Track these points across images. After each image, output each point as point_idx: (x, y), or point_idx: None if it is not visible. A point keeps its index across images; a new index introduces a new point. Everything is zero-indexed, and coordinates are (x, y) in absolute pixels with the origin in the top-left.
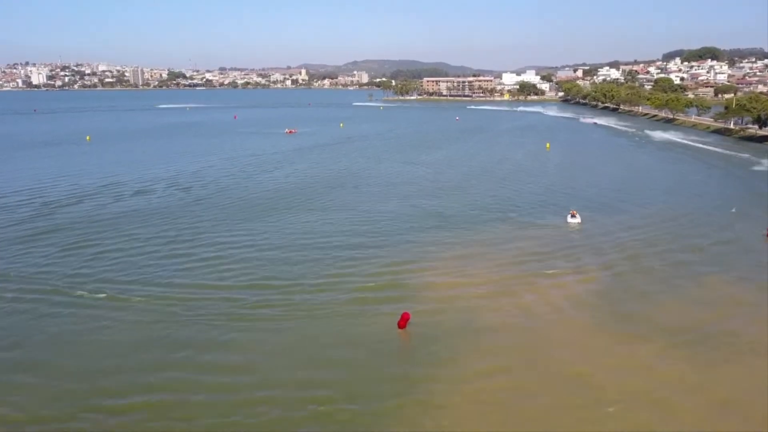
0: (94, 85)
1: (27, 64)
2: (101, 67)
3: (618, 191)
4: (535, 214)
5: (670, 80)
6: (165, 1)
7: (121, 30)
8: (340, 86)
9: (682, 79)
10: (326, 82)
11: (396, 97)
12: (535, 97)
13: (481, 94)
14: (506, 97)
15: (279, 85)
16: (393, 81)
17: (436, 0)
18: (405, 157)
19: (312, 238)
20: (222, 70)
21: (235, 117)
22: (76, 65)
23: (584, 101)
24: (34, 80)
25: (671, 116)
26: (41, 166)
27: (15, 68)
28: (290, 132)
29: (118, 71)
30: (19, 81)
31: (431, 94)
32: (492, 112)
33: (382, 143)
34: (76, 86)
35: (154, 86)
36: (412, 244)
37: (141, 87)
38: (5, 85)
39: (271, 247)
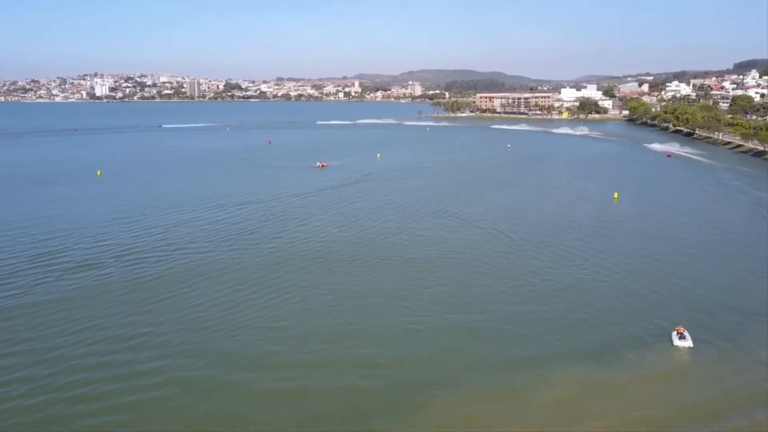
0: (153, 97)
1: (95, 75)
2: (162, 78)
3: (738, 290)
4: (615, 330)
5: (749, 98)
6: (227, 10)
7: (184, 41)
8: (393, 99)
9: (762, 96)
10: (378, 94)
11: (447, 114)
12: (597, 116)
13: (538, 112)
14: (565, 115)
15: (332, 98)
16: (446, 93)
17: (492, 8)
18: (437, 206)
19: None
20: (279, 80)
21: (270, 142)
22: (140, 76)
23: (652, 122)
24: (98, 92)
25: (761, 148)
26: (31, 212)
27: (84, 79)
28: (322, 166)
29: (178, 83)
30: (84, 92)
31: (484, 110)
32: (547, 138)
33: (419, 182)
34: (135, 98)
35: (210, 98)
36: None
37: (197, 99)
38: (71, 96)
39: None
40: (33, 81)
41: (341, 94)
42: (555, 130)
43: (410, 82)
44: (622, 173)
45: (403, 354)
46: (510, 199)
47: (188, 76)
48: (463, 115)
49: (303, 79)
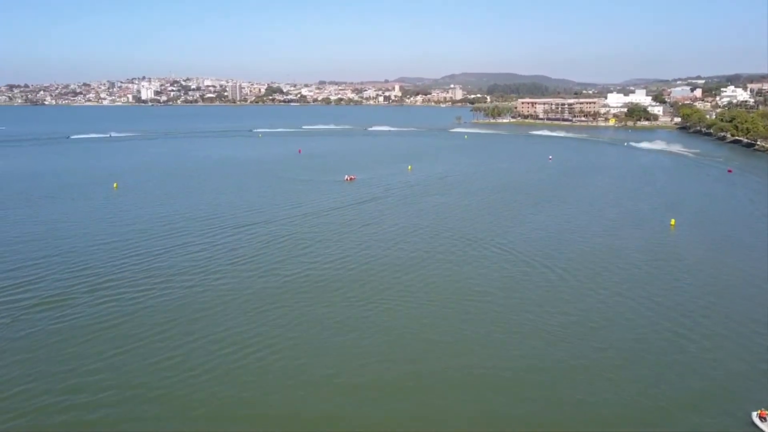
0: (195, 101)
1: (143, 78)
2: (207, 82)
3: None
4: (690, 416)
5: None
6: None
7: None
8: (433, 103)
9: None
10: (419, 98)
11: (487, 120)
12: (646, 123)
13: (583, 119)
14: (612, 122)
15: (371, 102)
16: (488, 97)
17: (536, 8)
18: (469, 230)
19: None
20: (321, 83)
21: (299, 151)
22: (185, 80)
23: (707, 131)
24: (143, 95)
25: None
26: (20, 234)
27: (133, 83)
28: (350, 179)
29: (221, 86)
30: (130, 96)
31: (526, 116)
32: (592, 147)
33: (451, 199)
34: (179, 101)
35: (251, 101)
36: None
37: (238, 102)
38: (118, 100)
39: None
40: (84, 84)
41: (381, 98)
42: (600, 138)
43: (452, 86)
44: (677, 192)
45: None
46: (551, 223)
47: (232, 80)
48: (504, 121)
49: (344, 83)
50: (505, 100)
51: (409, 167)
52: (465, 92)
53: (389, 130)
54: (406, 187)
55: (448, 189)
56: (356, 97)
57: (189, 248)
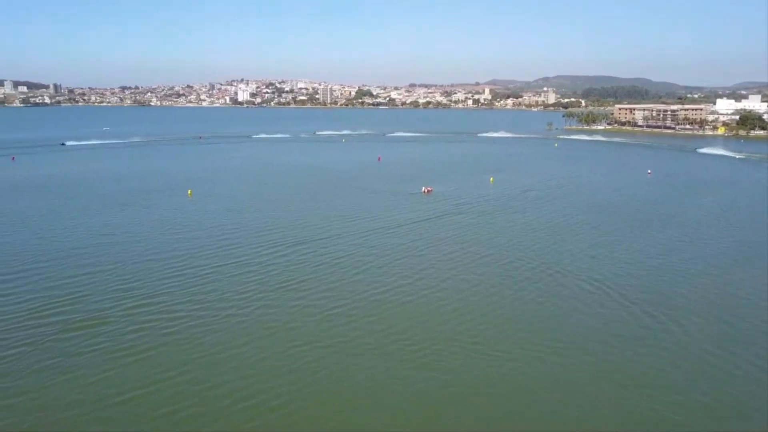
0: (288, 103)
1: (241, 81)
2: (300, 85)
3: None
4: None
5: None
6: (363, 15)
7: (323, 46)
8: (524, 107)
9: None
10: (509, 102)
11: (580, 127)
12: (762, 132)
13: (688, 127)
14: (721, 131)
15: (460, 105)
16: (582, 101)
17: (636, 6)
18: (553, 259)
19: None
20: (411, 86)
21: (379, 159)
22: (280, 82)
23: None
24: (239, 97)
25: None
26: (77, 243)
27: (232, 85)
28: (427, 191)
29: (313, 89)
30: (228, 98)
31: (623, 123)
32: (698, 161)
33: (535, 218)
34: (272, 103)
35: (341, 104)
36: None
37: (329, 105)
38: (216, 101)
39: None
40: (188, 86)
41: (470, 102)
42: (706, 150)
43: (545, 89)
44: None
45: None
46: (650, 254)
47: (324, 82)
48: (599, 128)
49: (434, 86)
50: (601, 105)
51: (491, 179)
52: (558, 96)
53: (472, 136)
54: (486, 202)
55: (531, 205)
56: (445, 100)
57: (252, 264)
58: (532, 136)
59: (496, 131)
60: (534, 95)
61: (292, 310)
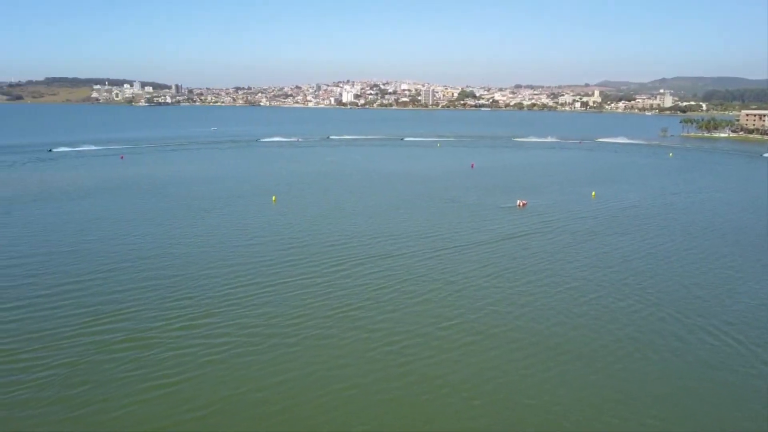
0: (390, 104)
1: (346, 82)
2: (403, 86)
3: None
4: None
5: None
6: (470, 15)
7: (426, 46)
8: (636, 110)
9: None
10: (620, 105)
11: (699, 134)
12: None
13: None
14: None
15: (567, 108)
16: (703, 105)
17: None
18: (673, 301)
19: None
20: (516, 87)
21: (472, 166)
22: (384, 83)
23: None
24: (344, 98)
25: None
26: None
27: (338, 86)
28: (522, 205)
29: (416, 90)
30: (332, 99)
31: (751, 131)
32: None
33: (645, 245)
34: (375, 105)
35: (443, 106)
36: None
37: (430, 107)
38: (321, 102)
39: None
40: (296, 87)
41: (578, 104)
42: None
43: (660, 91)
44: None
45: None
46: None
47: (427, 84)
48: (722, 135)
49: (541, 87)
50: (725, 109)
51: (593, 193)
52: (676, 98)
53: (574, 143)
54: (582, 219)
55: (637, 226)
56: (551, 103)
57: (313, 285)
58: (643, 142)
59: (606, 136)
60: (648, 98)
61: (342, 343)
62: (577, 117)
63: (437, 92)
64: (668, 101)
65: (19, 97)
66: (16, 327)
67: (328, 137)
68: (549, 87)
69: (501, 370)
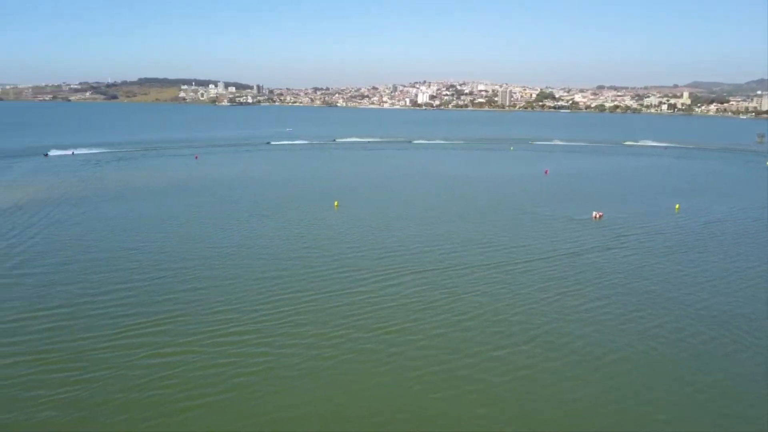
0: (465, 105)
1: (423, 82)
2: (480, 87)
3: None
4: None
5: None
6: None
7: (504, 46)
8: (730, 114)
9: None
10: (712, 107)
11: None
12: None
13: None
14: None
15: (653, 110)
16: None
17: None
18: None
19: None
20: (599, 88)
21: (546, 172)
22: (460, 84)
23: None
24: (419, 99)
25: None
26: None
27: (414, 86)
28: (598, 217)
29: (493, 91)
30: (407, 100)
31: None
32: None
33: (731, 263)
34: (450, 105)
35: (520, 107)
36: None
37: (507, 108)
38: (396, 103)
39: None
40: (373, 88)
41: (665, 107)
42: None
43: (758, 92)
44: None
45: None
46: None
47: (504, 84)
48: None
49: (624, 88)
50: None
51: (677, 206)
52: None
53: (657, 146)
54: (659, 235)
55: (717, 245)
56: (635, 105)
57: (364, 301)
58: (737, 149)
59: (694, 142)
60: (743, 100)
61: (382, 368)
62: (664, 120)
63: (515, 93)
64: (766, 104)
65: (114, 97)
66: (50, 335)
67: (410, 141)
68: (634, 88)
69: (560, 399)
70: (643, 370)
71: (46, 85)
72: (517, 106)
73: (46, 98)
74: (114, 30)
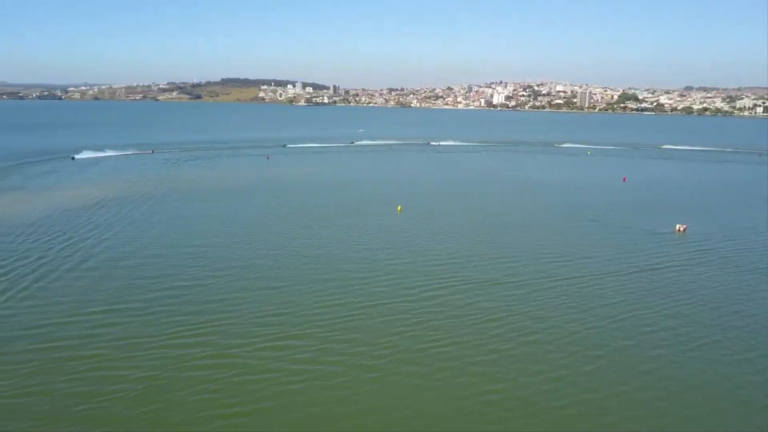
0: (543, 107)
1: (499, 83)
2: (558, 87)
3: None
4: None
5: None
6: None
7: (585, 46)
8: None
9: None
10: None
11: None
12: None
13: None
14: None
15: (746, 113)
16: None
17: None
18: None
19: None
20: (687, 89)
21: (624, 179)
22: (538, 84)
23: None
24: (495, 100)
25: None
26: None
27: (491, 87)
28: (681, 230)
29: (572, 92)
30: (482, 100)
31: None
32: None
33: None
34: (527, 107)
35: (600, 109)
36: None
37: (586, 110)
38: (471, 104)
39: None
40: (448, 88)
41: (760, 109)
42: None
43: None
44: None
45: None
46: None
47: (584, 85)
48: None
49: (715, 89)
50: None
51: None
52: None
53: (752, 154)
54: (752, 252)
55: None
56: (726, 107)
57: (415, 311)
58: None
59: None
60: None
61: (430, 386)
62: (759, 124)
63: (595, 94)
64: None
65: (199, 96)
66: (105, 332)
67: (484, 142)
68: (725, 89)
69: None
70: (738, 405)
71: (137, 86)
72: (597, 108)
73: (137, 98)
74: (200, 31)
